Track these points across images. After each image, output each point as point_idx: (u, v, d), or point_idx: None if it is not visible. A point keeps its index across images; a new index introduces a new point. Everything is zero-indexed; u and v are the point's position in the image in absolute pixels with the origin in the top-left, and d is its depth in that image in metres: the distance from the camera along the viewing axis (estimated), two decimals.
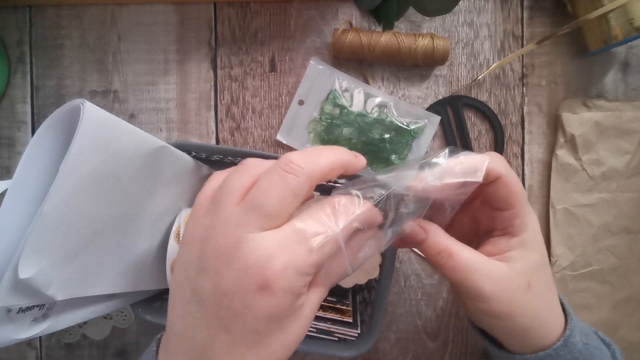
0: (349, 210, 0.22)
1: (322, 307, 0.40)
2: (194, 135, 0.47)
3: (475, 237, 0.31)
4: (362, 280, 0.39)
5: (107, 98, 0.46)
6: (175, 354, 0.23)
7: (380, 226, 0.25)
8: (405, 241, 0.28)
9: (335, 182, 0.42)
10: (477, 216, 0.30)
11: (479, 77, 0.45)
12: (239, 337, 0.21)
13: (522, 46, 0.46)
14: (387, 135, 0.44)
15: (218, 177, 0.25)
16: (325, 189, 0.43)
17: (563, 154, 0.44)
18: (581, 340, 0.28)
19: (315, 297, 0.23)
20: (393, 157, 0.44)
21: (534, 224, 0.28)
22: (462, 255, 0.26)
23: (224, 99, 0.47)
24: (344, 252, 0.22)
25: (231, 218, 0.21)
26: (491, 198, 0.27)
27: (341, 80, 0.45)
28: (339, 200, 0.23)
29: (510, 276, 0.26)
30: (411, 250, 0.46)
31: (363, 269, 0.39)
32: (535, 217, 0.28)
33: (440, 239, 0.27)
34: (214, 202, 0.23)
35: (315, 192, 0.43)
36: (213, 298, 0.21)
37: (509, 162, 0.46)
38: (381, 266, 0.39)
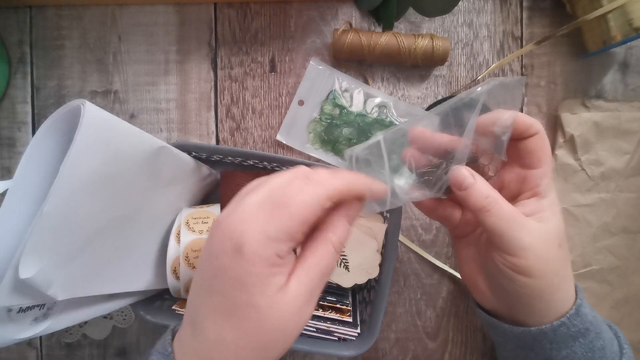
0: (336, 178, 0.23)
1: (322, 307, 0.40)
2: (194, 135, 0.47)
3: None
4: (361, 279, 0.40)
5: (107, 98, 0.46)
6: (182, 330, 0.24)
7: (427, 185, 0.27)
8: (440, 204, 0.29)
9: None
10: (503, 180, 0.31)
11: (479, 78, 0.45)
12: (217, 302, 0.22)
13: (522, 46, 0.46)
14: None
15: None
16: None
17: (562, 154, 0.44)
18: (590, 312, 0.29)
19: (295, 284, 0.22)
20: (393, 156, 0.44)
21: (554, 189, 0.29)
22: (505, 205, 0.27)
23: (224, 99, 0.47)
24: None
25: (244, 194, 0.24)
26: (526, 153, 0.28)
27: (341, 81, 0.45)
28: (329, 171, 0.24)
29: (547, 233, 0.27)
30: (411, 250, 0.46)
31: (363, 268, 0.40)
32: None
33: (487, 185, 0.28)
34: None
35: None
36: (204, 260, 0.23)
37: None
38: (381, 266, 0.39)
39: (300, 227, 0.22)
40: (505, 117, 0.27)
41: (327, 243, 0.23)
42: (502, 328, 0.31)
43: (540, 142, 0.28)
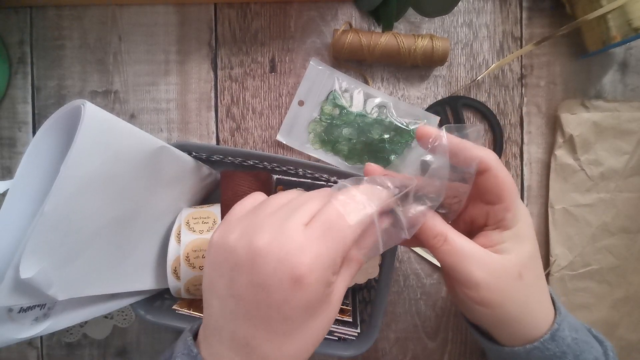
0: (379, 195, 0.25)
1: None
2: (194, 135, 0.47)
3: (470, 235, 0.31)
4: (361, 279, 0.40)
5: (107, 98, 0.47)
6: (219, 347, 0.23)
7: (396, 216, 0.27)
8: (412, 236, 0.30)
9: (335, 181, 0.42)
10: (471, 215, 0.30)
11: (478, 78, 0.45)
12: (278, 327, 0.22)
13: (521, 47, 0.46)
14: (386, 136, 0.44)
15: (256, 197, 0.28)
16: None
17: (562, 154, 0.45)
18: (570, 335, 0.28)
19: (342, 283, 0.24)
20: (393, 157, 0.44)
21: (526, 217, 0.28)
22: (457, 241, 0.27)
23: (224, 99, 0.47)
24: (376, 228, 0.24)
25: (271, 214, 0.24)
26: (483, 191, 0.28)
27: (341, 81, 0.45)
28: (369, 187, 0.25)
29: (502, 265, 0.27)
30: (411, 250, 0.46)
31: (363, 268, 0.40)
32: (527, 212, 0.29)
33: (437, 223, 0.28)
34: (254, 208, 0.25)
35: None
36: (250, 292, 0.22)
37: (507, 162, 0.46)
38: (381, 266, 0.39)
39: (351, 245, 0.23)
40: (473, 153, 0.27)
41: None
42: (482, 342, 0.32)
43: (494, 178, 0.27)
